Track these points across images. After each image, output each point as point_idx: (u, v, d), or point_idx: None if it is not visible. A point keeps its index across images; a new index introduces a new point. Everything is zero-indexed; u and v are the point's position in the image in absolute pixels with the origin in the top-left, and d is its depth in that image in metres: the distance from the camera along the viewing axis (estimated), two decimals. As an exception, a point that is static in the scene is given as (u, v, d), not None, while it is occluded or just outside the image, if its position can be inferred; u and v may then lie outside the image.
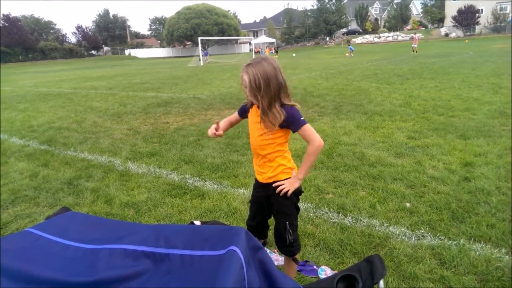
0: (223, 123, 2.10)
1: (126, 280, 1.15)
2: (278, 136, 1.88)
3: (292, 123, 1.82)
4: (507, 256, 2.33)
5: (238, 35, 57.86)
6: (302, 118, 1.83)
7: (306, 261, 2.39)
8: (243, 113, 2.06)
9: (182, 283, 1.12)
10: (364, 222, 2.86)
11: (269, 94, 1.76)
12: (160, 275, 1.16)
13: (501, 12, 50.24)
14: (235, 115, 2.11)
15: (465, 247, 2.44)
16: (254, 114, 1.95)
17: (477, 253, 2.38)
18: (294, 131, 1.84)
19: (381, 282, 1.23)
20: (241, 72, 1.81)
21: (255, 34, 72.71)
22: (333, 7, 60.93)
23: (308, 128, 1.83)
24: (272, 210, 2.05)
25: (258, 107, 1.85)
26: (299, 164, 1.93)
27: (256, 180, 2.08)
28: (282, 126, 1.83)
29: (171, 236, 1.28)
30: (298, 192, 1.97)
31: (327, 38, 60.91)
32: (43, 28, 68.77)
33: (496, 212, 2.89)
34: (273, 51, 39.21)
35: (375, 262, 1.29)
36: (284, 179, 1.94)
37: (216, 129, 2.01)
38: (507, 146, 4.46)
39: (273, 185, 1.93)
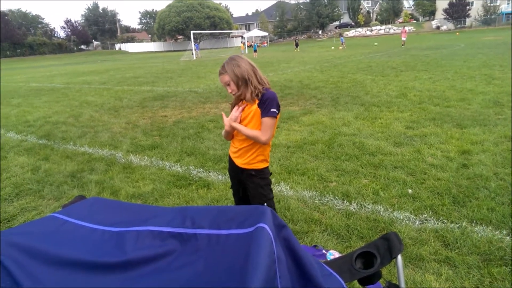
0: None
1: (154, 260, 1.19)
2: (260, 123, 1.94)
3: (264, 105, 1.88)
4: (508, 237, 2.42)
5: (230, 29, 57.44)
6: (273, 110, 1.88)
7: (315, 246, 2.45)
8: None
9: (209, 261, 1.15)
10: (368, 208, 2.94)
11: (246, 73, 1.90)
12: (187, 254, 1.20)
13: (491, 4, 50.67)
14: None
15: (467, 229, 2.53)
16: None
17: (479, 235, 2.47)
18: (262, 116, 1.89)
19: (399, 257, 1.29)
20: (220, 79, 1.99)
21: (248, 28, 72.25)
22: (325, 0, 60.78)
23: (270, 122, 1.89)
24: (246, 194, 2.14)
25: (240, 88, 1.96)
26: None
27: (231, 163, 2.14)
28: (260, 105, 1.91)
29: (197, 217, 1.31)
30: (269, 173, 2.10)
31: (320, 32, 60.83)
32: (30, 22, 67.45)
33: (495, 196, 2.99)
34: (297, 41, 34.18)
35: (392, 239, 1.35)
36: (260, 168, 2.04)
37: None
38: (503, 134, 4.58)
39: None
